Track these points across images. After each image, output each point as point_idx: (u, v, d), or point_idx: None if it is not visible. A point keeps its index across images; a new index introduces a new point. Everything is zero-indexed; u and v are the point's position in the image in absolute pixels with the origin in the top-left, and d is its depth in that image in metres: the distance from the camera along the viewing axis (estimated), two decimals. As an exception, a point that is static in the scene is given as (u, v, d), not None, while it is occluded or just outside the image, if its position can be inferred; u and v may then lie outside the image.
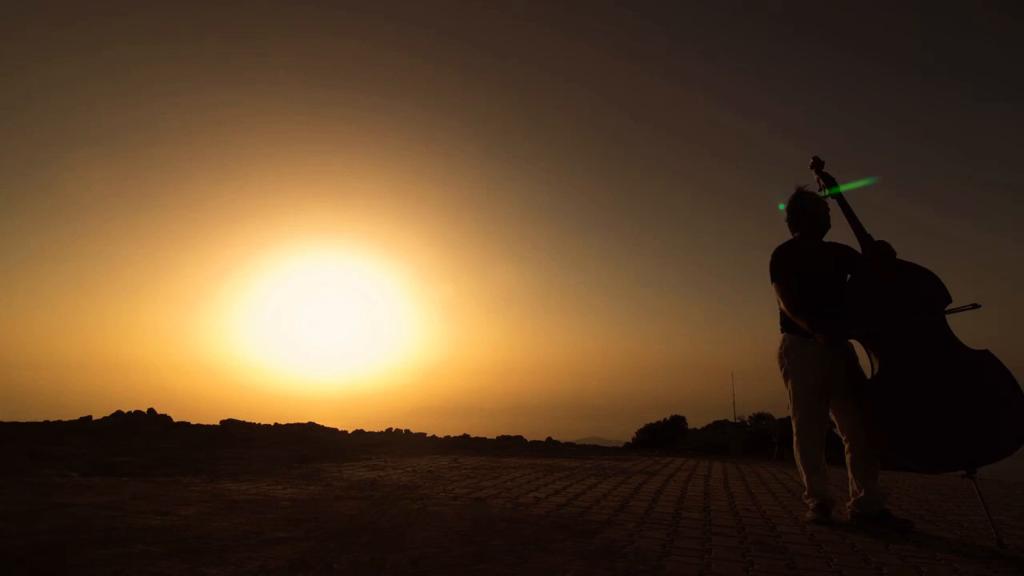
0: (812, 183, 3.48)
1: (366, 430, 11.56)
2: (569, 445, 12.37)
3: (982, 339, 2.90)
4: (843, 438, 3.17)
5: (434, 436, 11.90)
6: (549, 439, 13.23)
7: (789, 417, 3.28)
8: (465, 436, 12.28)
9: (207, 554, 2.02)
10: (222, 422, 8.22)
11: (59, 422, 6.50)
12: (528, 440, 12.70)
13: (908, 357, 2.95)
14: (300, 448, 6.84)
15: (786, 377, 3.27)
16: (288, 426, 9.28)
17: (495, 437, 12.72)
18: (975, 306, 2.92)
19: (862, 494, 3.06)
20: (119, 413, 6.99)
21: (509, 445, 11.41)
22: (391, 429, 12.29)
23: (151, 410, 7.34)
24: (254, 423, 8.78)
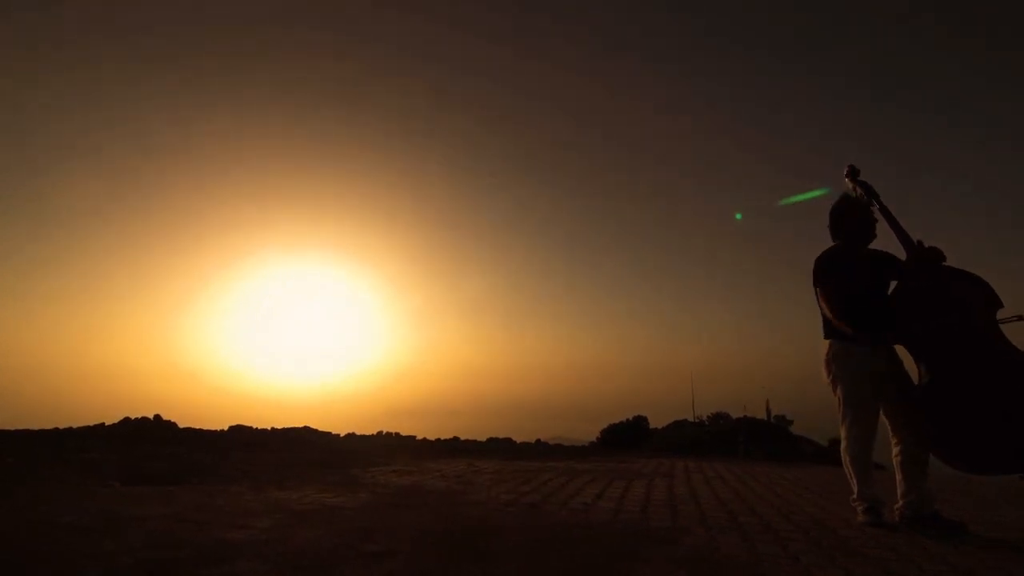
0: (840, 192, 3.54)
1: (357, 433, 11.42)
2: (559, 447, 12.45)
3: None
4: (892, 441, 3.25)
5: (425, 439, 11.81)
6: (538, 440, 13.30)
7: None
8: (455, 438, 12.22)
9: (317, 570, 1.97)
10: (231, 427, 8.04)
11: (70, 429, 6.26)
12: (518, 442, 12.72)
13: (956, 361, 2.99)
14: (305, 452, 6.72)
15: (834, 383, 3.32)
16: (285, 430, 9.11)
17: (484, 439, 12.71)
18: (1021, 318, 2.99)
19: (912, 496, 3.10)
20: (127, 419, 6.78)
21: (500, 448, 11.39)
22: (381, 432, 12.17)
23: (157, 416, 7.14)
24: (257, 428, 8.59)
